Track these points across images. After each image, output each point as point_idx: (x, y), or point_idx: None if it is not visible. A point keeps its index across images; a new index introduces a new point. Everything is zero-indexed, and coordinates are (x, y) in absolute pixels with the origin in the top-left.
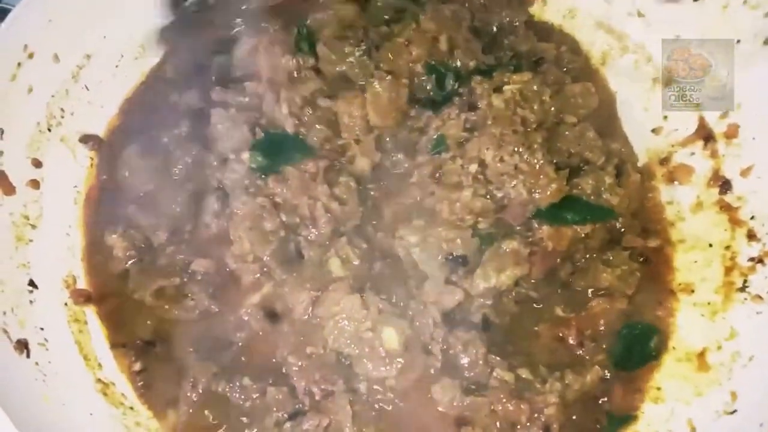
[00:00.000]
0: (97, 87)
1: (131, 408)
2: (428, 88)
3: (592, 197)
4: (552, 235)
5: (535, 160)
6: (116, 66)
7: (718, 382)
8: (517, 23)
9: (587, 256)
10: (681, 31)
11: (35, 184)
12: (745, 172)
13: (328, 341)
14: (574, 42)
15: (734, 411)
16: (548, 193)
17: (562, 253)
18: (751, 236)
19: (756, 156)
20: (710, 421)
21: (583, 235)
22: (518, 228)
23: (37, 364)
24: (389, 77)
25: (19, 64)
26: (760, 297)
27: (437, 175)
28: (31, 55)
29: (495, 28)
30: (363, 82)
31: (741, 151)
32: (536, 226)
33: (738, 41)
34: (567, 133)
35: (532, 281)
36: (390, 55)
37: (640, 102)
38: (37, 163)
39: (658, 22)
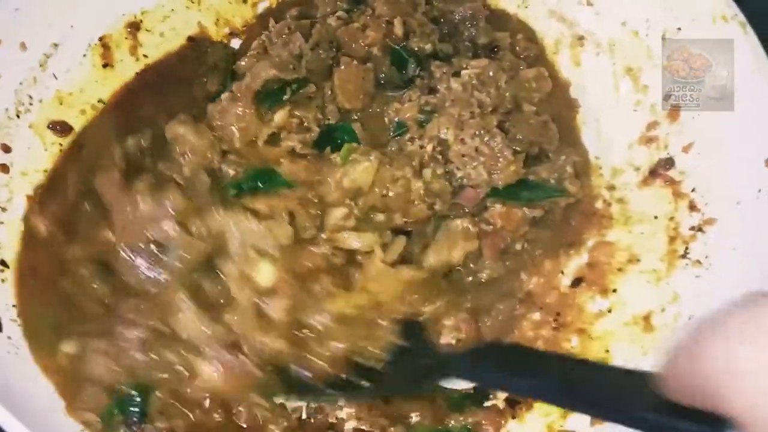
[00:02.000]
0: (65, 75)
1: None
2: (389, 74)
3: (551, 182)
4: (503, 214)
5: (494, 143)
6: (84, 55)
7: (662, 341)
8: (480, 16)
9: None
10: (627, 17)
11: (5, 168)
12: (686, 149)
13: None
14: (530, 30)
15: None
16: (506, 174)
17: (511, 233)
18: (692, 207)
19: (696, 133)
20: None
21: (532, 217)
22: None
23: (9, 338)
24: (354, 61)
25: None
26: (699, 262)
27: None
28: None
29: (457, 19)
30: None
31: (683, 128)
32: (489, 205)
33: (679, 29)
34: (532, 121)
35: (487, 263)
36: (346, 39)
37: (592, 87)
38: (6, 149)
39: (606, 10)
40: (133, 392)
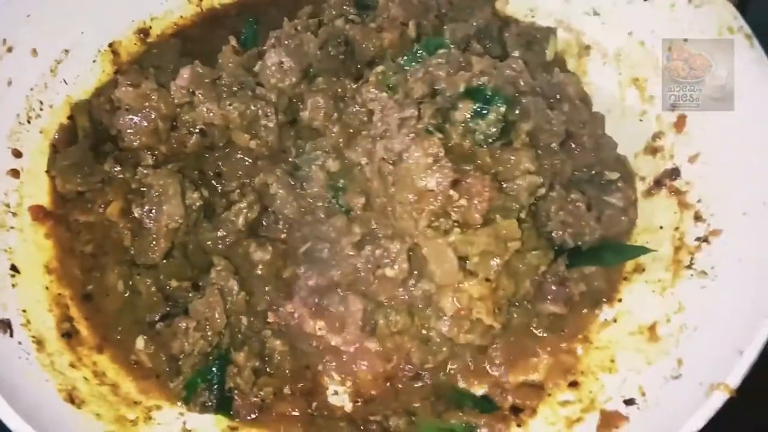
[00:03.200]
0: (75, 81)
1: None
2: None
3: None
4: None
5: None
6: (93, 61)
7: (667, 351)
8: (492, 27)
9: None
10: (633, 28)
11: (15, 173)
12: (692, 159)
13: None
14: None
15: (679, 375)
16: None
17: None
18: (698, 218)
19: (702, 144)
20: (658, 387)
21: None
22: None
23: (20, 343)
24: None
25: None
26: (705, 273)
27: None
28: (10, 49)
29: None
30: None
31: (689, 139)
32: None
33: (685, 40)
34: (588, 145)
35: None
36: (359, 38)
37: (598, 96)
38: (18, 154)
39: (612, 21)
40: (215, 362)
